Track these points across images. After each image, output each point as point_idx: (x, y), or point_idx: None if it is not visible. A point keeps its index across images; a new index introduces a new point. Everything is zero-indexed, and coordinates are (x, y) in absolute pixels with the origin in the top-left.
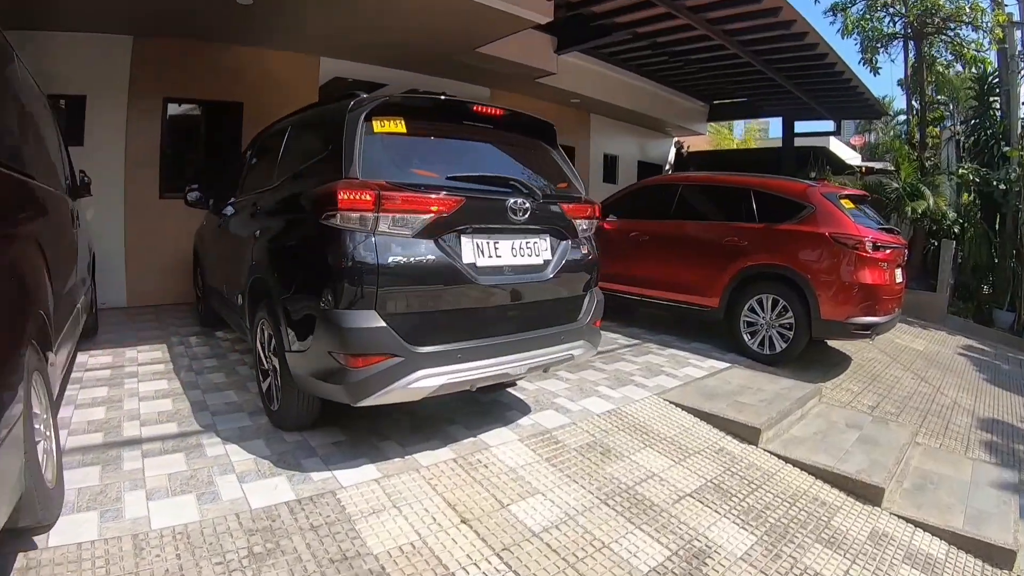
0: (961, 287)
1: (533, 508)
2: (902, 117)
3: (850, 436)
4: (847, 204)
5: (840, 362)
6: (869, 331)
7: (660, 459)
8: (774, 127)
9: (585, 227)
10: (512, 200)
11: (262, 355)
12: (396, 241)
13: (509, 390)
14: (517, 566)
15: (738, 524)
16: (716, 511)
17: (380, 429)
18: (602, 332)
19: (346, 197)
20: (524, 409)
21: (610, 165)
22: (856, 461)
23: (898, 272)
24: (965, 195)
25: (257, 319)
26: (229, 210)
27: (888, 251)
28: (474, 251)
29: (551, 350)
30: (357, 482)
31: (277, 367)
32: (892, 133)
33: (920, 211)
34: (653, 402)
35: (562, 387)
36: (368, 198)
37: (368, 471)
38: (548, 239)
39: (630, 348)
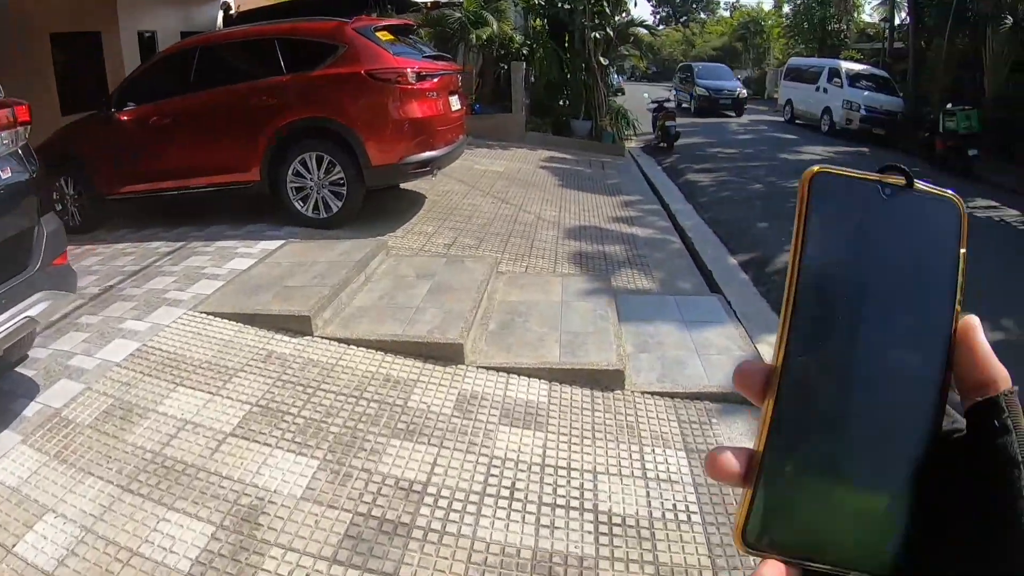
0: (537, 104)
1: (43, 537)
2: None
3: (421, 288)
4: (385, 36)
5: (413, 204)
6: (429, 167)
7: (194, 397)
8: None
9: (5, 140)
10: None
11: None
12: None
13: (17, 369)
14: None
15: (295, 451)
16: (266, 443)
17: None
18: (142, 244)
19: None
20: (31, 391)
21: (149, 45)
22: (429, 318)
23: (453, 99)
24: (536, 20)
25: None
26: None
27: (436, 79)
28: None
29: None
30: None
31: None
32: None
33: (486, 37)
34: (188, 320)
35: (80, 339)
36: None
37: None
38: None
39: (171, 255)
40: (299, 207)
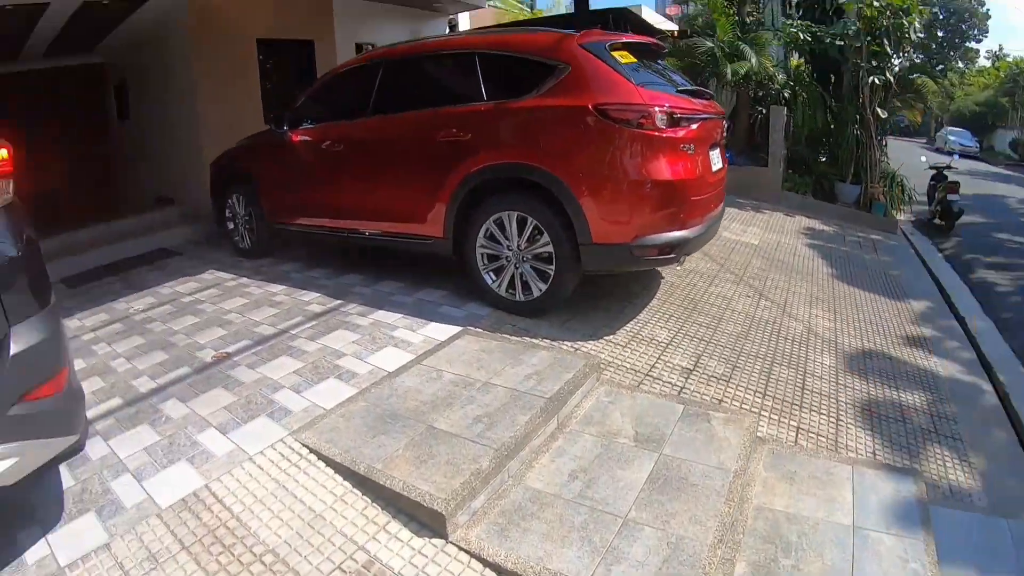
0: (796, 159)
1: None
2: None
3: (638, 470)
4: (625, 59)
5: (643, 288)
6: (673, 253)
7: None
8: None
9: None
10: None
11: None
12: None
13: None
14: None
15: None
16: None
17: None
18: (295, 292)
19: None
20: (50, 516)
21: None
22: (640, 553)
23: (714, 155)
24: (798, 59)
25: None
26: None
27: (695, 125)
28: None
29: None
30: None
31: None
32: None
33: (743, 73)
34: (281, 454)
35: (141, 446)
36: None
37: None
38: None
39: (317, 321)
40: (490, 281)
